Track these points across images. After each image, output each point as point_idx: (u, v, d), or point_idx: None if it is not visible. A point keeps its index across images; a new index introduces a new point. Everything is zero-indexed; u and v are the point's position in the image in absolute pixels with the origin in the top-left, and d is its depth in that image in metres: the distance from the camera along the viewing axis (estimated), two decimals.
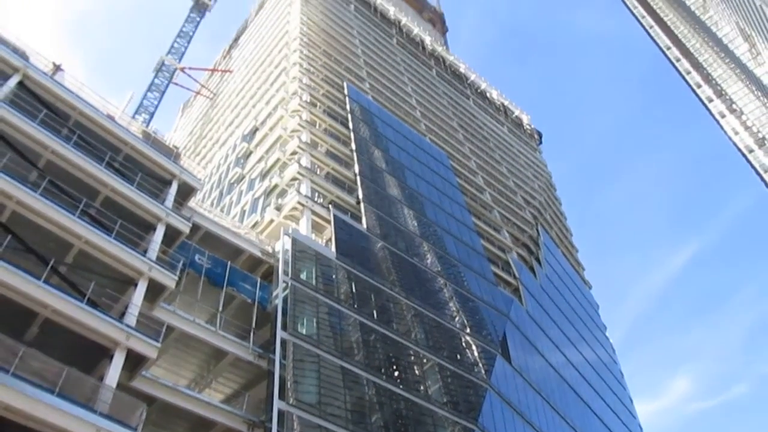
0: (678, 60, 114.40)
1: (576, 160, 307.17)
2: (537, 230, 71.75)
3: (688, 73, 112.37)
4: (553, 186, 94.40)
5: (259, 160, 53.17)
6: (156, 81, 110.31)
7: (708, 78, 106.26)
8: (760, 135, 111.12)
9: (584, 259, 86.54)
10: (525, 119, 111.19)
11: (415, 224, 50.50)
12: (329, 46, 72.14)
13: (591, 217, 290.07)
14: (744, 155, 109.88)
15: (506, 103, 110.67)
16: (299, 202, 42.05)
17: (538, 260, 66.18)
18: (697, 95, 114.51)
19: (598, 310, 76.31)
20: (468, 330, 43.65)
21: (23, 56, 31.58)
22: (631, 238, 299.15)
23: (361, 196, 47.47)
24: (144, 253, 28.12)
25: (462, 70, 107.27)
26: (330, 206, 43.76)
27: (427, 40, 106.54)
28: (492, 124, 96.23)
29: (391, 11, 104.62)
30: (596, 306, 76.73)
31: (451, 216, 56.94)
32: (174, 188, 33.60)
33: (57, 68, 33.75)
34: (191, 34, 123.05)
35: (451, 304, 44.88)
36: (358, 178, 49.59)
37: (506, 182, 77.70)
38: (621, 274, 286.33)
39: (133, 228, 28.47)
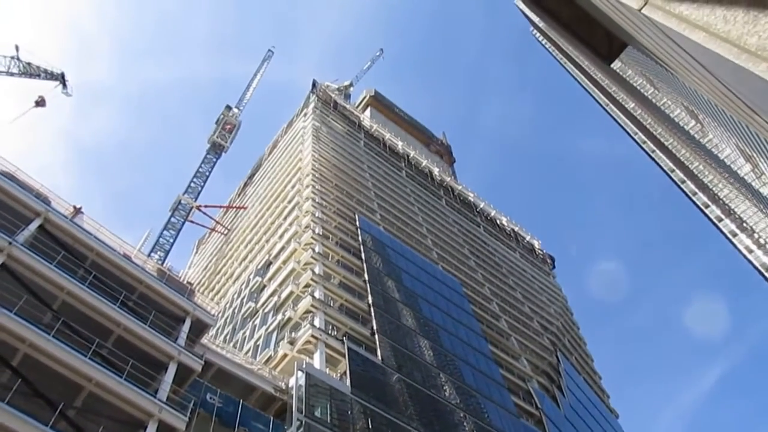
0: (683, 182, 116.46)
1: (591, 284, 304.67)
2: (557, 357, 69.97)
3: (695, 194, 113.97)
4: (569, 310, 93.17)
5: (273, 294, 53.28)
6: (172, 219, 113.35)
7: (715, 198, 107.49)
8: None
9: (608, 385, 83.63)
10: (536, 244, 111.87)
11: (431, 354, 49.52)
12: (340, 180, 74.45)
13: (612, 341, 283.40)
14: (761, 273, 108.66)
15: (517, 228, 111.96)
16: (313, 335, 41.64)
17: (560, 389, 63.98)
18: (706, 215, 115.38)
19: None
20: None
21: (45, 201, 32.81)
22: (654, 360, 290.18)
23: (375, 327, 47.01)
24: (155, 393, 27.55)
25: (471, 198, 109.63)
26: (344, 339, 43.25)
27: (436, 171, 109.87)
28: (504, 250, 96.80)
29: (400, 145, 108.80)
30: None
31: (468, 345, 55.91)
32: (187, 325, 33.52)
33: (77, 211, 34.91)
34: (207, 174, 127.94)
35: None
36: (371, 309, 49.37)
37: (522, 308, 76.89)
38: (648, 399, 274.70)
39: (145, 368, 28.11)
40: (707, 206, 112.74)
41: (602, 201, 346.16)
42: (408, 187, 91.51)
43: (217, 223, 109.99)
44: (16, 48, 79.60)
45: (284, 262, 56.29)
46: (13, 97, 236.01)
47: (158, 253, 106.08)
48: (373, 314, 48.69)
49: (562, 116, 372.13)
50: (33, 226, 30.67)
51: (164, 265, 79.34)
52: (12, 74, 79.57)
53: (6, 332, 24.79)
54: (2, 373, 25.17)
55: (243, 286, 63.95)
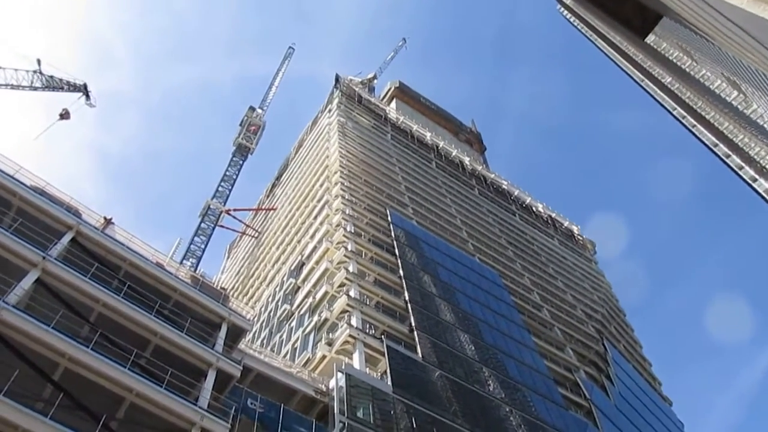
0: (728, 156, 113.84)
1: (634, 266, 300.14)
2: (603, 345, 69.19)
3: (741, 168, 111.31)
4: (614, 297, 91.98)
5: (307, 295, 53.64)
6: (203, 225, 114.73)
7: (762, 171, 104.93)
8: None
9: (659, 372, 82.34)
10: (575, 230, 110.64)
11: (473, 349, 49.37)
12: (369, 175, 74.55)
13: (660, 325, 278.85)
14: None
15: (554, 215, 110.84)
16: (351, 335, 41.80)
17: (609, 378, 63.24)
18: (754, 189, 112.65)
19: (683, 429, 71.38)
20: None
21: (76, 214, 33.50)
22: (707, 341, 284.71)
23: (413, 323, 47.01)
24: (195, 401, 27.97)
25: (504, 186, 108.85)
26: (382, 337, 43.35)
27: (466, 160, 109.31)
28: (542, 238, 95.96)
29: (428, 136, 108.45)
30: (680, 425, 71.82)
31: (510, 337, 55.60)
32: (223, 331, 33.91)
33: (108, 222, 35.57)
34: (235, 177, 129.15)
35: None
36: (408, 305, 49.37)
37: (564, 297, 76.18)
38: (702, 383, 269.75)
39: (184, 376, 28.53)
40: (755, 180, 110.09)
41: (640, 181, 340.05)
42: (439, 179, 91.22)
43: (247, 226, 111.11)
44: (38, 62, 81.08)
45: (317, 262, 56.62)
46: (35, 110, 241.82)
47: (190, 260, 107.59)
48: (410, 310, 48.70)
49: (593, 94, 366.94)
50: (65, 240, 31.34)
51: (197, 271, 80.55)
52: (35, 88, 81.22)
53: (45, 347, 25.41)
54: (44, 387, 25.82)
55: (277, 289, 64.54)
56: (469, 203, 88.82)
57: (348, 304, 45.75)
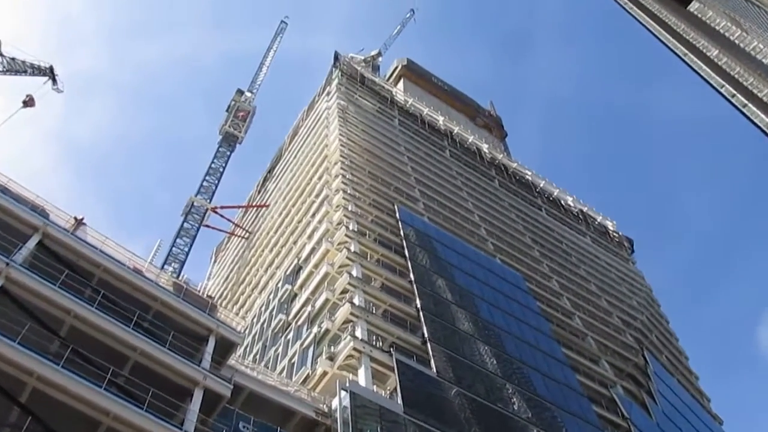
0: None
1: (677, 265, 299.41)
2: (643, 356, 69.19)
3: None
4: (655, 301, 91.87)
5: (306, 303, 53.79)
6: (186, 225, 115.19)
7: None
8: None
9: (708, 386, 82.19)
10: (610, 225, 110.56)
11: (494, 362, 49.44)
12: (375, 166, 74.66)
13: (706, 332, 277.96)
14: None
15: (585, 209, 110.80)
16: (355, 349, 41.89)
17: (650, 394, 63.23)
18: None
19: None
20: None
21: (42, 213, 33.64)
22: (760, 348, 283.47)
23: (426, 334, 47.07)
24: (180, 425, 28.07)
25: (529, 177, 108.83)
26: (391, 350, 43.44)
27: (485, 147, 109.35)
28: (572, 235, 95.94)
29: (441, 121, 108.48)
30: None
31: (537, 349, 55.66)
32: (211, 345, 34.02)
33: (79, 222, 35.69)
34: (221, 170, 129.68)
35: None
36: (420, 313, 49.44)
37: (598, 302, 76.17)
38: (759, 399, 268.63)
39: (167, 396, 28.62)
40: None
41: (684, 168, 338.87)
42: (454, 169, 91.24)
43: (237, 226, 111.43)
44: None
45: (316, 266, 56.75)
46: None
47: (172, 264, 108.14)
48: (423, 320, 48.77)
49: (630, 73, 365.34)
50: (31, 244, 31.48)
51: (180, 278, 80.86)
52: None
53: (11, 365, 25.49)
54: (10, 411, 25.96)
55: (271, 297, 64.74)
56: (489, 197, 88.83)
57: (352, 313, 45.86)
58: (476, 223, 76.59)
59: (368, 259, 55.04)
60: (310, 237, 64.06)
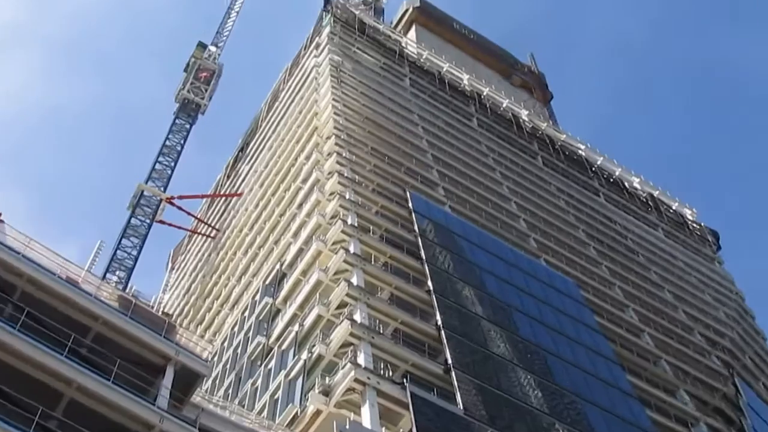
0: None
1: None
2: (734, 384, 69.11)
3: None
4: (749, 312, 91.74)
5: (292, 322, 53.86)
6: (134, 221, 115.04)
7: None
8: None
9: None
10: (689, 214, 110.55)
11: (539, 395, 49.47)
12: (379, 141, 74.58)
13: None
14: None
15: (656, 193, 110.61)
16: (357, 380, 41.87)
17: None
18: None
19: None
20: None
21: None
22: None
23: (449, 360, 47.06)
24: None
25: (582, 152, 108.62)
26: (404, 381, 43.42)
27: (524, 114, 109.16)
28: (639, 227, 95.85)
29: (465, 80, 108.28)
30: None
31: (595, 377, 55.65)
32: (169, 377, 34.05)
33: None
34: (179, 148, 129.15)
35: None
36: (442, 333, 49.41)
37: (674, 314, 76.12)
38: None
39: None
40: None
41: None
42: (483, 143, 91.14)
43: (200, 221, 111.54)
44: None
45: (305, 273, 56.81)
46: None
47: (117, 272, 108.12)
48: (445, 341, 48.73)
49: (722, 13, 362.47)
50: None
51: (128, 290, 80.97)
52: None
53: None
54: None
55: (246, 314, 64.85)
56: (530, 178, 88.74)
57: (352, 334, 45.83)
58: (514, 214, 76.52)
59: (372, 262, 55.07)
60: (296, 235, 64.09)
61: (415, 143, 79.07)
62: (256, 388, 52.73)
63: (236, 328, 66.29)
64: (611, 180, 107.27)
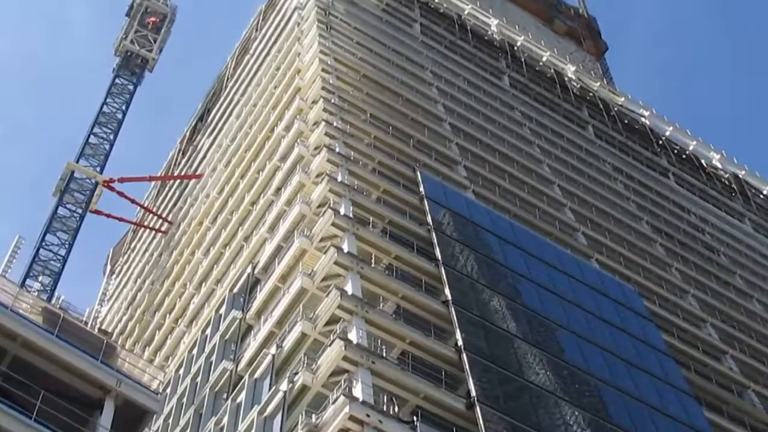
0: None
1: None
2: None
3: None
4: None
5: (267, 342, 53.89)
6: (61, 211, 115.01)
7: None
8: None
9: None
10: None
11: None
12: (381, 105, 74.37)
13: None
14: None
15: (742, 174, 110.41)
16: (353, 417, 41.91)
17: None
18: None
19: None
20: None
21: None
22: None
23: (473, 392, 47.05)
24: None
25: (646, 120, 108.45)
26: (415, 419, 43.51)
27: (570, 70, 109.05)
28: (719, 218, 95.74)
29: (493, 26, 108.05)
30: None
31: (663, 413, 55.66)
32: (108, 415, 34.12)
33: None
34: (120, 116, 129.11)
35: None
36: (463, 357, 49.39)
37: (765, 332, 75.99)
38: None
39: None
40: None
41: None
42: (517, 109, 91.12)
43: (147, 210, 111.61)
44: None
45: (284, 279, 56.80)
46: None
47: (41, 277, 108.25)
48: (467, 367, 48.71)
49: None
50: None
51: (54, 301, 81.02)
52: None
53: None
54: None
55: (209, 332, 64.93)
56: (578, 155, 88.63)
57: (346, 357, 45.87)
58: (558, 201, 76.51)
59: (372, 264, 55.01)
60: (272, 229, 64.07)
61: (428, 109, 78.97)
62: (222, 428, 52.84)
63: (195, 351, 66.37)
64: (684, 157, 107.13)
